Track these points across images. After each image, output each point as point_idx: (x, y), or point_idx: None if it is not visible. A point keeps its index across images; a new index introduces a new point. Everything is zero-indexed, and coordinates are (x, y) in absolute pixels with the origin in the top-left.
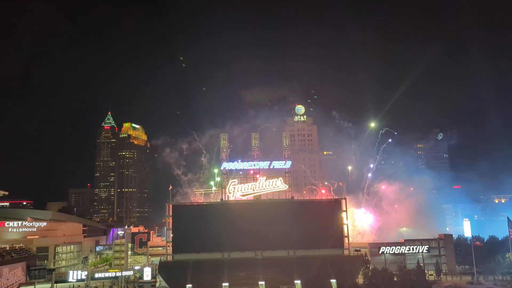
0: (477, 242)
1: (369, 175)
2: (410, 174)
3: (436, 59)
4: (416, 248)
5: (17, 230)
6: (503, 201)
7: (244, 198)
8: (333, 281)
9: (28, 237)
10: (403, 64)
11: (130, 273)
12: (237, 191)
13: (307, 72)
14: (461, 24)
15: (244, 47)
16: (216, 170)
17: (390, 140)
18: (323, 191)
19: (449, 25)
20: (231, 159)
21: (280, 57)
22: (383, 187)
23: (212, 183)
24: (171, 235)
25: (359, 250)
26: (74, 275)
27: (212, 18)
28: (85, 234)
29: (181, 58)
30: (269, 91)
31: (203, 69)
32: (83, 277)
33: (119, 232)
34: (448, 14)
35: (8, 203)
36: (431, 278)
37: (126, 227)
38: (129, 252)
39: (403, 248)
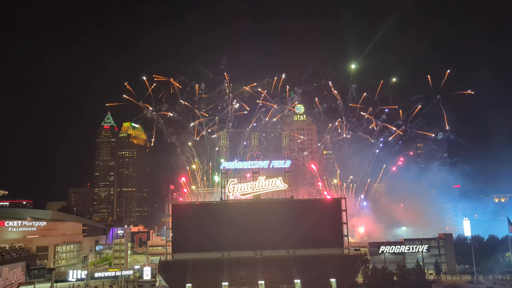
0: (477, 242)
1: (368, 175)
2: (410, 174)
3: (435, 53)
4: (415, 248)
5: (17, 230)
6: (503, 201)
7: (244, 197)
8: (333, 280)
9: (28, 236)
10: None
11: (130, 272)
12: (236, 191)
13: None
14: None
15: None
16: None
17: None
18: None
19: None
20: (230, 158)
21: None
22: (383, 187)
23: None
24: (171, 235)
25: (359, 250)
26: (74, 275)
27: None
28: (85, 234)
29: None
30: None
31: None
32: (83, 276)
33: (118, 232)
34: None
35: (8, 203)
36: (431, 277)
37: (125, 226)
38: (129, 252)
39: (402, 248)
